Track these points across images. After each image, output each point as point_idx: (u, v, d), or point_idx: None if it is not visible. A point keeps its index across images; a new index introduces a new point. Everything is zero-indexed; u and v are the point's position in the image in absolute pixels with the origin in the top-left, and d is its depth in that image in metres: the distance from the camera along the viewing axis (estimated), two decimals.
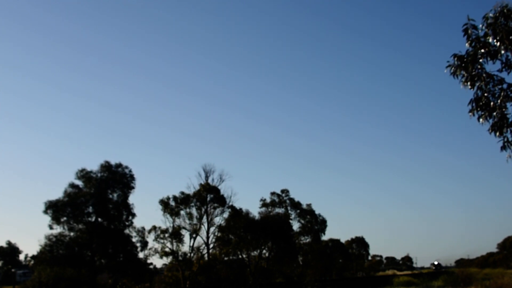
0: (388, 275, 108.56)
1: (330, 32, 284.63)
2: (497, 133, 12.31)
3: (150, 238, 61.69)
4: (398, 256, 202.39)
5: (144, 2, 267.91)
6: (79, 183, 62.09)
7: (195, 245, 61.25)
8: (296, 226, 76.29)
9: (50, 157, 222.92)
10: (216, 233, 62.53)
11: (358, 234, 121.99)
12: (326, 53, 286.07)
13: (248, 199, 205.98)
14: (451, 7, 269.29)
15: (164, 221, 64.84)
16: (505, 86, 12.24)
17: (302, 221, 77.44)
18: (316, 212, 79.80)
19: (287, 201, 76.45)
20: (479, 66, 12.53)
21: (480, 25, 12.39)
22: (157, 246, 60.02)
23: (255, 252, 65.36)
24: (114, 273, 62.90)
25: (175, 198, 60.31)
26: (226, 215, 63.20)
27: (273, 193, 76.34)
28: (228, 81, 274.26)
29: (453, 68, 12.76)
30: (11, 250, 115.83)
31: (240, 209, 63.58)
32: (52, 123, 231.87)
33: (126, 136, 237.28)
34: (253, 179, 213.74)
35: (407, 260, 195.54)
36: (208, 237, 62.28)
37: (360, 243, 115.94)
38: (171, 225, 59.95)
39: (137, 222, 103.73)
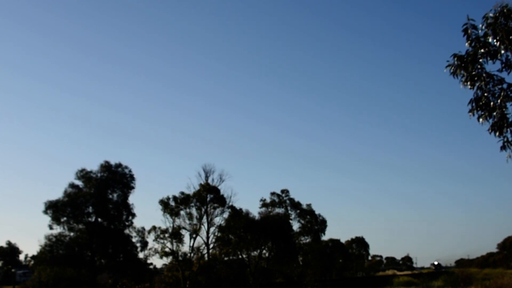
0: (388, 275, 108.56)
1: (330, 32, 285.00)
2: (497, 133, 12.31)
3: (150, 238, 61.82)
4: (398, 256, 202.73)
5: (144, 2, 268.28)
6: (79, 183, 62.22)
7: (195, 245, 61.36)
8: (296, 226, 76.43)
9: (50, 157, 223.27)
10: (216, 233, 62.57)
11: (358, 234, 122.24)
12: (326, 53, 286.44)
13: (248, 199, 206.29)
14: (451, 7, 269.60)
15: (164, 221, 64.97)
16: (505, 86, 12.24)
17: (302, 221, 77.48)
18: (316, 212, 79.93)
19: (287, 201, 76.48)
20: (479, 66, 12.52)
21: (480, 25, 12.39)
22: (157, 246, 60.11)
23: (255, 252, 65.36)
24: (114, 273, 62.91)
25: (175, 198, 60.31)
26: (226, 215, 63.32)
27: (273, 193, 76.42)
28: (228, 81, 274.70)
29: (453, 68, 12.76)
30: (11, 250, 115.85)
31: (240, 209, 63.68)
32: (52, 123, 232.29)
33: (126, 136, 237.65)
34: (253, 179, 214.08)
35: (407, 260, 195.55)
36: (208, 237, 62.32)
37: (360, 243, 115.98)
38: (171, 225, 60.02)
39: (137, 222, 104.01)
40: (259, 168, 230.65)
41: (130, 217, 63.97)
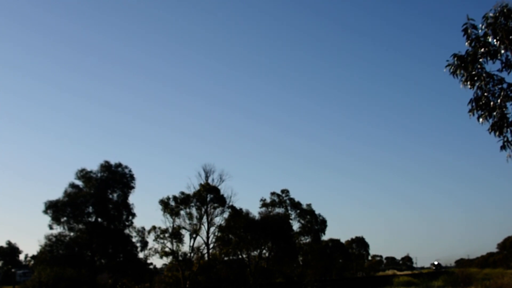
0: (388, 275, 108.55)
1: (330, 32, 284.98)
2: (497, 133, 12.31)
3: (150, 238, 61.78)
4: (398, 256, 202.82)
5: (144, 2, 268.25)
6: (79, 183, 62.20)
7: (195, 245, 61.33)
8: (296, 226, 76.36)
9: (50, 157, 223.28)
10: (216, 233, 62.56)
11: (358, 234, 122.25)
12: (326, 53, 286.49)
13: (248, 199, 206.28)
14: (451, 7, 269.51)
15: (164, 221, 64.89)
16: (505, 85, 12.24)
17: (302, 221, 77.42)
18: (316, 212, 79.85)
19: (287, 201, 76.44)
20: (479, 66, 12.53)
21: (480, 25, 12.40)
22: (157, 246, 60.05)
23: (255, 252, 65.33)
24: (114, 273, 62.90)
25: (175, 198, 60.29)
26: (226, 215, 63.28)
27: (273, 193, 76.38)
28: (228, 81, 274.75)
29: (453, 68, 12.76)
30: (11, 250, 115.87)
31: (240, 209, 63.65)
32: (52, 123, 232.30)
33: (126, 136, 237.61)
34: (253, 179, 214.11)
35: (407, 260, 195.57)
36: (208, 237, 62.31)
37: (360, 243, 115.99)
38: (171, 225, 59.99)
39: (137, 222, 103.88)
40: (259, 168, 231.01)
41: (130, 217, 64.02)
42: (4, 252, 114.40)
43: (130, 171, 64.79)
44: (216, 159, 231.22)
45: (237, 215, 62.54)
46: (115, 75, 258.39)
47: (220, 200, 62.09)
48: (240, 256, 65.72)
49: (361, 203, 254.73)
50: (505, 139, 12.27)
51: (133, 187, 64.61)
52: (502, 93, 12.19)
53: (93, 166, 71.79)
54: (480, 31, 12.43)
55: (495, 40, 12.15)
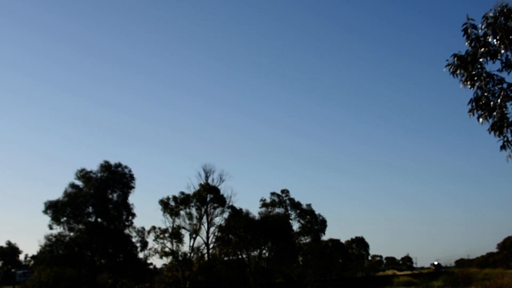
0: (388, 275, 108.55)
1: (330, 32, 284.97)
2: (497, 133, 12.31)
3: (150, 238, 61.79)
4: (398, 256, 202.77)
5: (144, 2, 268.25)
6: (79, 183, 62.16)
7: (195, 245, 61.35)
8: (296, 226, 76.31)
9: (50, 157, 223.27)
10: (216, 233, 62.56)
11: (358, 234, 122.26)
12: (326, 53, 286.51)
13: (248, 199, 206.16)
14: (451, 7, 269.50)
15: (164, 221, 64.94)
16: (505, 85, 12.24)
17: (302, 221, 77.38)
18: (316, 212, 79.81)
19: (287, 201, 76.40)
20: (479, 66, 12.53)
21: (480, 25, 12.40)
22: (157, 246, 60.08)
23: (255, 252, 65.32)
24: (114, 273, 62.88)
25: (175, 198, 60.29)
26: (226, 215, 63.30)
27: (273, 193, 76.34)
28: (228, 81, 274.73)
29: (453, 68, 12.76)
30: (11, 250, 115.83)
31: (240, 209, 63.65)
32: (52, 123, 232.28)
33: (126, 136, 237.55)
34: (253, 179, 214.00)
35: (407, 260, 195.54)
36: (208, 237, 62.31)
37: (360, 243, 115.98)
38: (171, 225, 60.01)
39: (137, 222, 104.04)
40: (259, 168, 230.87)
41: (130, 217, 63.99)
42: (4, 252, 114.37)
43: (130, 171, 64.86)
44: (216, 159, 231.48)
45: (237, 215, 62.53)
46: (115, 75, 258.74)
47: (220, 200, 62.09)
48: (240, 256, 65.71)
49: (361, 203, 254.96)
50: (505, 139, 12.27)
51: (133, 187, 64.68)
52: (502, 93, 12.19)
53: (93, 166, 71.85)
54: (480, 31, 12.43)
55: (495, 40, 12.15)
